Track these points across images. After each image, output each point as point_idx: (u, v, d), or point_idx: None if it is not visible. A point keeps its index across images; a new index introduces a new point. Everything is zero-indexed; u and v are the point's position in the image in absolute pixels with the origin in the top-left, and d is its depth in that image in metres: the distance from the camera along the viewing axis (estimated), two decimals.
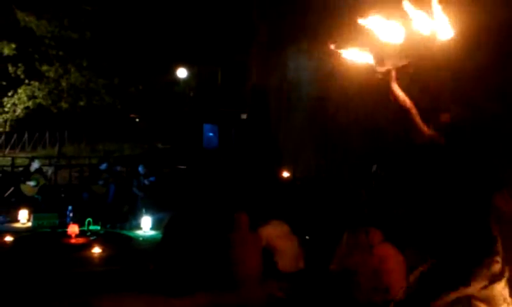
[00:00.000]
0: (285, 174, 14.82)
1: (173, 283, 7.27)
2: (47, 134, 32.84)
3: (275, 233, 8.26)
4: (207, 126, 17.02)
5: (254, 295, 7.16)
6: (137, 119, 35.06)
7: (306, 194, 12.98)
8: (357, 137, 13.71)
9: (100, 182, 14.07)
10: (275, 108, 17.35)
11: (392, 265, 6.79)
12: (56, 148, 26.90)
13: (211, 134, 16.31)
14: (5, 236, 10.69)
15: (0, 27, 21.41)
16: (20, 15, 21.18)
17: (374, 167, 11.87)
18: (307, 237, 9.42)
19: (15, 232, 11.33)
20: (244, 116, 19.52)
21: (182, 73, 21.43)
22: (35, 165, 14.07)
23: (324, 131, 15.21)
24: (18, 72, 21.90)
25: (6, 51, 21.60)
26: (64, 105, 22.98)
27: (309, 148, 15.40)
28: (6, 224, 12.16)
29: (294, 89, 16.36)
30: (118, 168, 14.57)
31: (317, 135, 15.33)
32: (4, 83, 22.03)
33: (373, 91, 5.81)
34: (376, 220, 7.26)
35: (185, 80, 22.12)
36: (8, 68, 21.78)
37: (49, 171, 14.03)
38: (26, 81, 22.25)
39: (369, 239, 6.84)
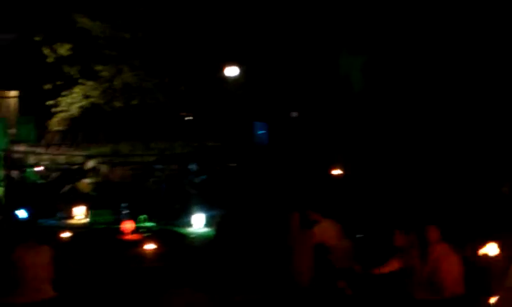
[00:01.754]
0: (337, 172, 14.70)
1: (227, 281, 7.30)
2: (101, 133, 33.39)
3: (328, 231, 8.22)
4: (257, 124, 17.04)
5: (310, 292, 7.15)
6: (187, 118, 35.35)
7: (358, 192, 12.85)
8: (407, 133, 13.57)
9: (152, 180, 14.25)
10: (327, 105, 17.24)
11: (448, 265, 6.66)
12: (110, 146, 27.35)
13: (261, 132, 16.33)
14: (63, 232, 10.95)
15: (56, 28, 21.93)
16: (76, 16, 21.63)
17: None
18: (360, 236, 9.33)
19: (72, 228, 11.58)
20: (294, 114, 19.44)
21: (232, 71, 21.48)
22: (90, 163, 14.34)
23: (374, 129, 15.06)
24: (73, 72, 22.35)
25: (62, 51, 22.11)
26: (117, 104, 23.37)
27: (361, 146, 15.25)
28: (64, 221, 12.45)
29: (345, 86, 16.24)
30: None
31: (368, 133, 15.18)
32: (59, 83, 22.52)
33: None
34: (434, 219, 7.12)
35: (235, 79, 22.17)
36: (63, 68, 22.26)
37: (104, 168, 14.27)
38: (81, 81, 22.69)
39: (426, 237, 6.73)
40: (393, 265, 6.93)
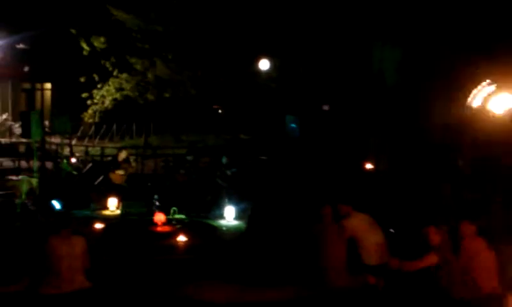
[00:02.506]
0: (369, 166, 14.59)
1: (259, 274, 7.30)
2: (134, 125, 33.72)
3: (359, 225, 8.13)
4: (288, 117, 17.01)
5: (342, 286, 7.11)
6: (220, 111, 35.47)
7: (390, 186, 12.73)
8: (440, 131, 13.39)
9: (182, 171, 14.30)
10: (358, 100, 17.09)
11: (482, 261, 6.55)
12: (142, 139, 27.64)
13: (293, 125, 16.30)
14: (96, 223, 11.07)
15: (91, 21, 22.17)
16: (111, 9, 21.81)
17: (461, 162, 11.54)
18: (392, 230, 9.24)
19: (105, 219, 11.69)
20: (326, 108, 19.33)
21: (264, 65, 21.45)
22: (123, 154, 14.43)
23: (407, 124, 14.90)
24: (107, 65, 22.59)
25: (96, 44, 22.36)
26: (150, 96, 23.56)
27: (393, 141, 15.09)
28: (97, 212, 12.56)
29: (378, 81, 16.07)
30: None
31: (401, 128, 15.01)
32: (94, 76, 22.78)
33: None
34: (470, 214, 7.01)
35: (267, 72, 22.14)
36: (98, 61, 22.49)
37: (137, 160, 14.35)
38: (114, 74, 22.92)
39: (460, 232, 6.62)
40: (428, 261, 6.82)
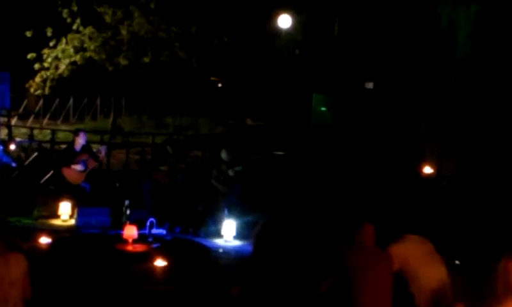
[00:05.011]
0: (427, 170, 14.62)
1: None
2: (98, 100, 33.87)
3: (413, 253, 8.10)
4: (317, 97, 16.96)
5: None
6: (219, 85, 35.53)
7: (456, 199, 12.74)
8: None
9: (164, 168, 14.28)
10: (415, 76, 17.10)
11: None
12: (110, 120, 27.69)
13: (323, 109, 16.26)
14: (41, 237, 11.07)
15: None
16: None
17: None
18: (457, 262, 9.22)
19: (54, 232, 11.71)
20: (369, 85, 19.35)
21: (284, 22, 21.42)
22: (81, 140, 14.38)
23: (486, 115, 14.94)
24: (64, 14, 22.53)
25: None
26: (122, 61, 23.56)
27: (464, 138, 15.13)
28: (43, 221, 12.59)
29: (445, 50, 16.08)
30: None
31: (476, 120, 15.04)
32: (47, 30, 22.69)
33: None
34: None
35: (288, 33, 22.12)
36: (53, 8, 22.44)
37: (102, 151, 14.32)
38: (74, 27, 22.91)
39: None
40: None
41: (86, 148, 14.32)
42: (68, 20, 22.78)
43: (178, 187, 14.15)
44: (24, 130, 23.72)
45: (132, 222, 11.62)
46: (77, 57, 23.28)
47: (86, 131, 15.58)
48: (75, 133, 14.62)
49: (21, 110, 30.37)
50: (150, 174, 14.43)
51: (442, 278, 7.99)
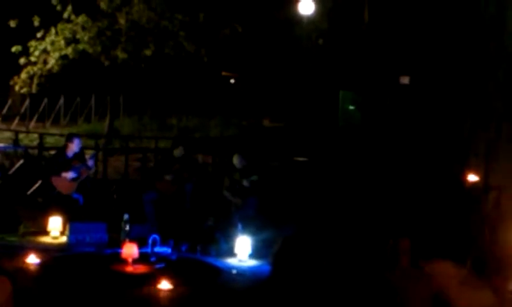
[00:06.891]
0: (472, 177, 14.57)
1: None
2: (93, 100, 34.04)
3: (454, 275, 8.14)
4: (344, 95, 16.99)
5: None
6: (232, 80, 35.62)
7: (506, 214, 12.68)
8: None
9: (169, 177, 14.31)
10: (458, 69, 17.05)
11: None
12: (106, 122, 27.76)
13: (351, 107, 16.29)
14: (27, 257, 11.09)
15: None
16: None
17: None
18: None
19: (43, 250, 11.73)
20: (405, 80, 19.34)
21: (306, 7, 21.47)
22: (75, 147, 14.40)
23: None
24: (54, 1, 22.61)
25: None
26: (120, 54, 23.60)
27: None
28: (30, 238, 12.62)
29: (492, 39, 16.04)
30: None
31: None
32: (34, 18, 22.79)
33: None
34: None
35: (311, 20, 22.16)
36: None
37: (89, 164, 14.28)
38: (65, 16, 22.99)
39: None
40: None
41: (79, 155, 14.29)
42: (58, 8, 22.81)
43: (186, 199, 14.16)
44: (7, 134, 23.87)
45: (132, 240, 11.66)
46: (69, 50, 23.29)
47: (79, 135, 15.58)
48: (69, 138, 14.47)
49: (4, 111, 30.56)
50: (153, 183, 14.45)
51: (486, 302, 8.04)
